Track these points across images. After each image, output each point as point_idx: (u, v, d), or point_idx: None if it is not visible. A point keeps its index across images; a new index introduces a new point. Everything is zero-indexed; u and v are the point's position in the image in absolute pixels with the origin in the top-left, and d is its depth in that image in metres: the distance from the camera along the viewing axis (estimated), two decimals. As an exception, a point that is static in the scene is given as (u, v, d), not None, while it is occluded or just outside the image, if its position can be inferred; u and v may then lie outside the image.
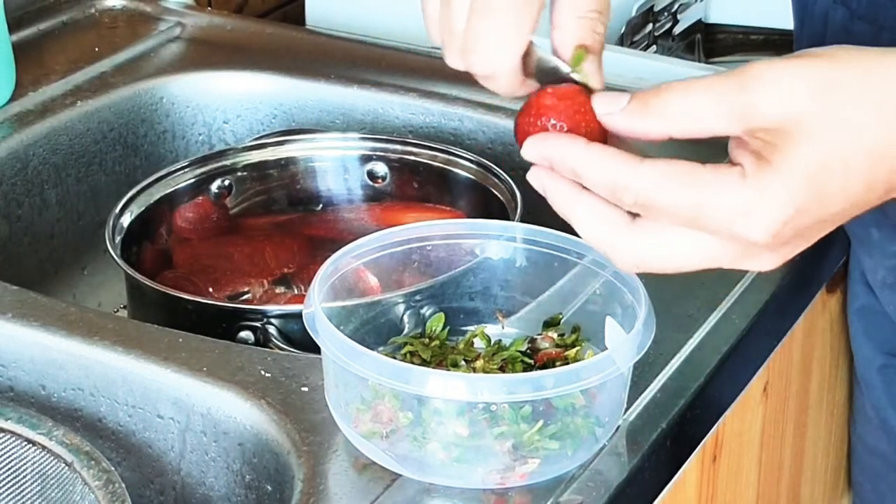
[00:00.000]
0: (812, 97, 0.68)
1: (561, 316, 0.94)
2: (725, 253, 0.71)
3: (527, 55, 0.78)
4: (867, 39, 0.97)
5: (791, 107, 0.68)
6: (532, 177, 0.74)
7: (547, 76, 0.78)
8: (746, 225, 0.69)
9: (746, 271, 1.04)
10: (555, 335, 0.92)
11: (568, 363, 0.89)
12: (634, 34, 1.58)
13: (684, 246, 0.71)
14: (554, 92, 0.75)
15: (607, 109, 0.72)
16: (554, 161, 0.73)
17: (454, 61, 0.78)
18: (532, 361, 0.90)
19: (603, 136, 0.74)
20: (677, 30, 1.67)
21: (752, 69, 0.69)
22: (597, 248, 0.74)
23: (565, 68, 0.78)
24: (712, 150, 0.76)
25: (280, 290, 1.19)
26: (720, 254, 0.71)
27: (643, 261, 0.73)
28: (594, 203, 0.72)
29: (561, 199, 0.73)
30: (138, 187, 1.17)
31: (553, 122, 0.74)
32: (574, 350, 0.90)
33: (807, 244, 0.71)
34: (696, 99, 0.70)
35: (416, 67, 1.35)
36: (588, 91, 0.76)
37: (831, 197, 0.69)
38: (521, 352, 0.91)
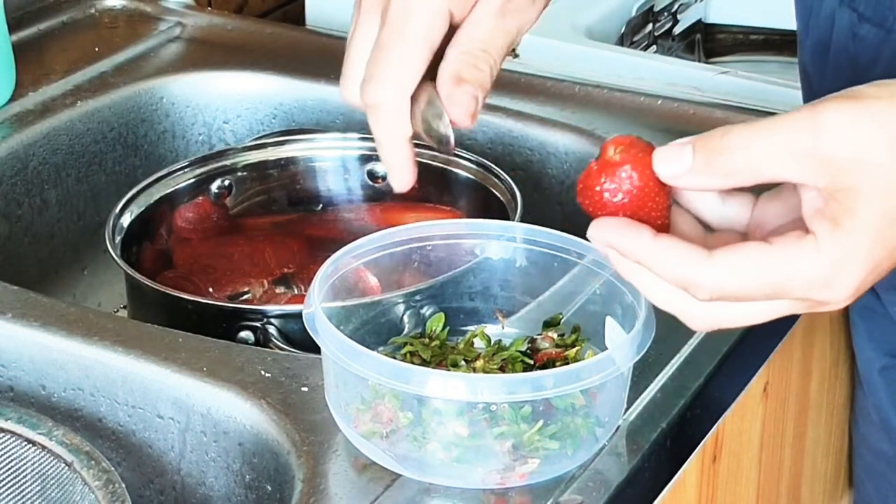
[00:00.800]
0: (887, 149, 0.66)
1: (561, 316, 0.94)
2: (802, 307, 0.70)
3: (426, 103, 0.79)
4: (874, 42, 0.96)
5: (867, 162, 0.66)
6: (594, 239, 0.72)
7: (424, 124, 0.79)
8: (828, 294, 0.68)
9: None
10: (555, 335, 0.92)
11: (568, 363, 0.89)
12: (634, 34, 1.58)
13: (761, 307, 0.70)
14: (617, 152, 0.71)
15: (673, 172, 0.69)
16: (620, 251, 0.70)
17: (349, 94, 0.81)
18: (532, 361, 0.90)
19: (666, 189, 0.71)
20: (677, 30, 1.67)
21: (823, 114, 0.66)
22: (671, 311, 0.72)
23: (438, 122, 0.79)
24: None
25: (280, 290, 1.19)
26: (797, 307, 0.70)
27: (719, 323, 0.71)
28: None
29: (624, 269, 0.71)
30: (138, 187, 1.17)
31: (619, 196, 0.70)
32: (574, 350, 0.90)
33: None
34: (763, 151, 0.67)
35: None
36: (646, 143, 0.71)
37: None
38: (521, 352, 0.91)
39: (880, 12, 0.96)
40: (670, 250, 0.68)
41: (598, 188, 0.70)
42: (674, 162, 0.68)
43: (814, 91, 1.03)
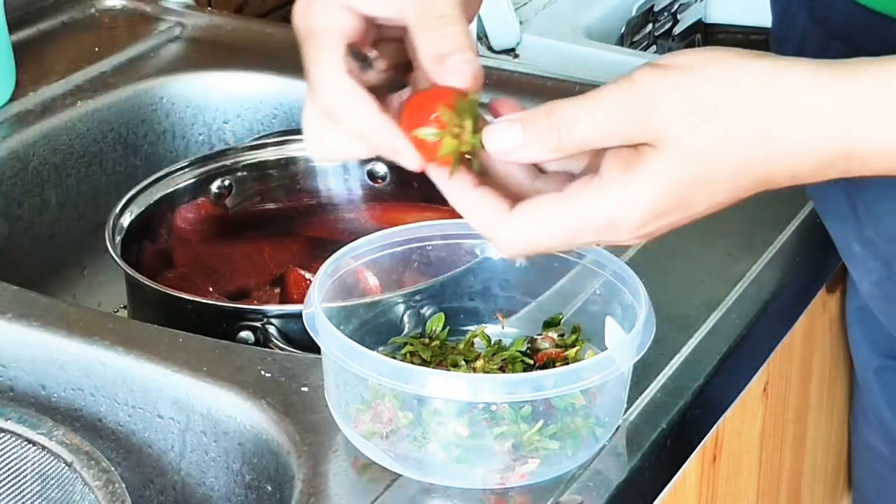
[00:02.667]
0: (691, 116, 0.71)
1: (561, 316, 0.94)
2: (596, 243, 0.76)
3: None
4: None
5: (669, 127, 0.71)
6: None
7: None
8: (617, 233, 0.73)
9: (746, 271, 1.04)
10: (555, 335, 0.92)
11: (568, 363, 0.89)
12: (634, 34, 1.58)
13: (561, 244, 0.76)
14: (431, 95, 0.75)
15: (503, 148, 0.74)
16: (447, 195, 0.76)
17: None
18: (532, 361, 0.90)
19: None
20: (677, 30, 1.67)
21: (638, 86, 0.72)
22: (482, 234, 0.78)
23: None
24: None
25: (280, 290, 1.19)
26: (592, 244, 0.77)
27: (520, 247, 0.76)
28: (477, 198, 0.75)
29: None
30: (138, 187, 1.17)
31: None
32: (574, 350, 0.90)
33: (671, 229, 0.75)
34: (588, 125, 0.72)
35: (416, 67, 1.35)
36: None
37: (694, 206, 0.73)
38: (521, 352, 0.91)
39: (850, 31, 0.96)
40: (478, 202, 0.75)
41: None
42: (504, 139, 0.73)
43: None
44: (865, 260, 1.01)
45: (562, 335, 0.92)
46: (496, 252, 0.83)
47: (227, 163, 1.23)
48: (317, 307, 0.86)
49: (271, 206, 1.25)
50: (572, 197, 0.73)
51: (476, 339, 0.93)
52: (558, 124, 0.72)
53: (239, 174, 1.23)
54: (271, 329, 1.02)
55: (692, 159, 0.72)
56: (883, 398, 1.13)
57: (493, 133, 0.74)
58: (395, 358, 0.88)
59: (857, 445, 1.24)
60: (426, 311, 0.98)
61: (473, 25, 0.86)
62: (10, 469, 0.86)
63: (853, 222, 0.99)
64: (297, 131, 1.28)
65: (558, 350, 0.91)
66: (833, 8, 0.96)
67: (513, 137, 0.73)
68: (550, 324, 0.93)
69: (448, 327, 0.94)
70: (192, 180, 1.21)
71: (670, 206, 0.73)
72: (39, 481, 0.85)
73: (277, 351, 0.99)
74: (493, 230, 0.75)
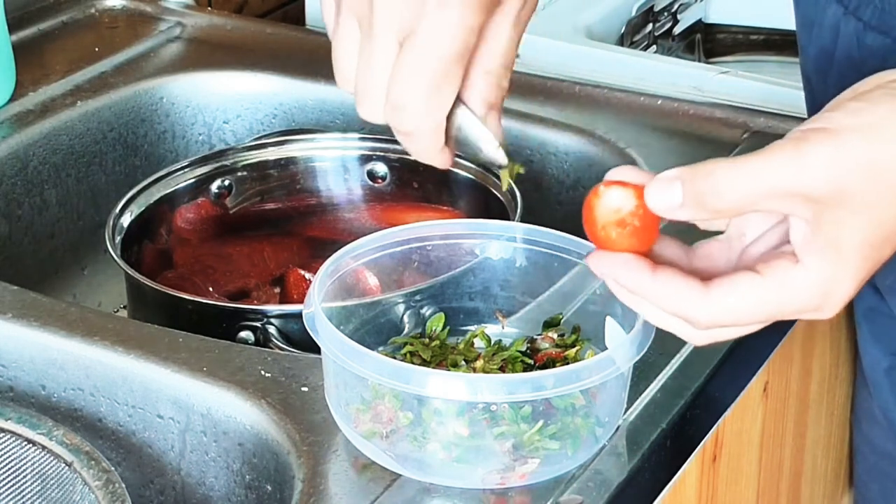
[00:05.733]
0: (864, 181, 0.69)
1: (561, 316, 0.94)
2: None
3: (450, 117, 0.75)
4: (879, 50, 0.96)
5: (847, 194, 0.69)
6: (594, 268, 0.74)
7: (467, 147, 0.77)
8: (818, 315, 0.72)
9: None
10: (555, 335, 0.92)
11: (568, 363, 0.89)
12: (634, 34, 1.58)
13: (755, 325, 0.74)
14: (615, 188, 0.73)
15: (665, 207, 0.71)
16: (620, 283, 0.73)
17: (373, 115, 0.75)
18: (532, 361, 0.90)
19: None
20: (677, 30, 1.67)
21: (804, 153, 0.69)
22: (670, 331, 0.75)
23: (488, 146, 0.77)
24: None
25: (280, 290, 1.19)
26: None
27: (716, 339, 0.74)
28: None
29: (624, 297, 0.74)
30: (138, 187, 1.17)
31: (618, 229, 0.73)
32: (574, 350, 0.90)
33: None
34: (749, 190, 0.70)
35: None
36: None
37: (884, 259, 0.72)
38: (521, 352, 0.91)
39: (886, 20, 0.95)
40: (668, 286, 0.71)
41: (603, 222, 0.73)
42: (665, 198, 0.71)
43: (816, 98, 1.04)
44: None
45: (562, 335, 0.92)
46: (693, 337, 0.75)
47: (227, 163, 1.23)
48: (317, 307, 0.86)
49: (271, 206, 1.25)
50: (777, 278, 0.70)
51: (476, 339, 0.93)
52: (719, 187, 0.70)
53: (239, 174, 1.23)
54: (271, 329, 1.02)
55: (875, 215, 0.70)
56: (893, 398, 1.13)
57: (654, 190, 0.71)
58: (395, 358, 0.88)
59: (859, 445, 1.24)
60: (426, 311, 0.98)
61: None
62: (10, 469, 0.86)
63: None
64: (298, 131, 1.29)
65: (558, 350, 0.91)
66: None
67: (673, 196, 0.70)
68: (550, 324, 0.93)
69: (448, 327, 0.94)
70: (192, 180, 1.21)
71: (867, 270, 0.71)
72: (39, 481, 0.85)
73: (277, 351, 0.99)
74: (689, 311, 0.71)
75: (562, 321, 0.94)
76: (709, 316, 0.71)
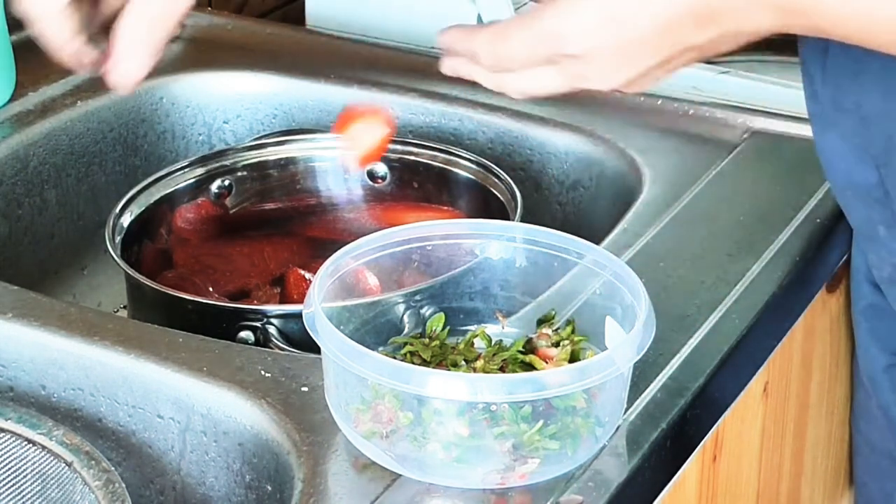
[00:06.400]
0: None
1: (554, 312, 0.94)
2: (563, 74, 0.85)
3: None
4: None
5: None
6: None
7: None
8: (566, 45, 0.83)
9: (746, 271, 1.04)
10: (549, 331, 0.92)
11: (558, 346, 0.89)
12: (634, 34, 1.58)
13: (532, 74, 0.86)
14: None
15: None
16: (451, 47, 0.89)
17: None
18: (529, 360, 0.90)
19: None
20: (677, 30, 1.67)
21: None
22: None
23: None
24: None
25: (280, 290, 1.19)
26: (560, 76, 0.86)
27: (503, 87, 0.88)
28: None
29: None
30: (138, 187, 1.17)
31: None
32: (570, 343, 0.90)
33: (635, 71, 0.84)
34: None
35: (416, 67, 1.35)
36: None
37: (632, 18, 0.82)
38: (521, 352, 0.91)
39: None
40: (468, 31, 0.88)
41: None
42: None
43: (815, 89, 1.04)
44: (890, 241, 1.01)
45: (556, 330, 0.92)
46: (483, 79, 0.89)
47: (227, 163, 1.23)
48: (317, 307, 0.86)
49: (271, 206, 1.25)
50: (529, 16, 0.85)
51: (476, 339, 0.93)
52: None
53: (239, 174, 1.23)
54: (271, 329, 1.02)
55: None
56: (893, 396, 1.13)
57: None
58: (395, 358, 0.88)
59: (859, 445, 1.24)
60: (426, 311, 0.98)
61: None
62: (10, 469, 0.86)
63: (882, 201, 0.98)
64: (298, 131, 1.29)
65: (557, 350, 0.91)
66: None
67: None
68: (544, 321, 0.94)
69: (448, 327, 0.94)
70: (192, 180, 1.21)
71: (606, 17, 0.82)
72: (39, 481, 0.85)
73: (277, 351, 0.99)
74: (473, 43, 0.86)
75: (555, 315, 0.94)
76: (483, 47, 0.86)
